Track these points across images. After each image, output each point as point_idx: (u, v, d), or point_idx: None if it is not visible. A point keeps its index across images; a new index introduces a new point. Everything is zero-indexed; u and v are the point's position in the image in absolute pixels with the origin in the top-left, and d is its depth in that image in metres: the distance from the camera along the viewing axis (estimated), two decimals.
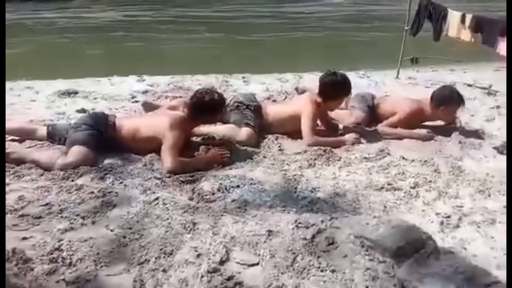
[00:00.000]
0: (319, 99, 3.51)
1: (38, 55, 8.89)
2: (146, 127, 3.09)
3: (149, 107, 3.80)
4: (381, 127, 3.65)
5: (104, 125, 3.07)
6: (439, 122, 3.81)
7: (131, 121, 3.24)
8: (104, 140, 3.01)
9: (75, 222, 2.20)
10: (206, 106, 3.07)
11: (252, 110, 3.55)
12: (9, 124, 3.18)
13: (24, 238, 2.06)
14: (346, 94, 3.55)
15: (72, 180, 2.64)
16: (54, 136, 3.14)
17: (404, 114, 3.67)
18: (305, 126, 3.40)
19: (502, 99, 4.73)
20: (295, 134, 3.47)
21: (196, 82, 5.15)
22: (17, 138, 3.21)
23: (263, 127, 3.54)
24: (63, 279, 1.81)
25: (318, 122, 3.62)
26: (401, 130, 3.60)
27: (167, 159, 2.87)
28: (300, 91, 4.42)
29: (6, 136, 3.14)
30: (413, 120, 3.71)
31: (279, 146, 3.33)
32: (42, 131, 3.21)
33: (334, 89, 3.46)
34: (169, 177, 2.75)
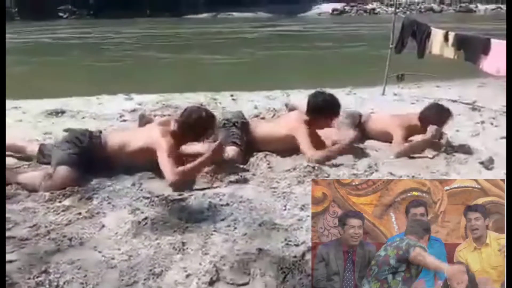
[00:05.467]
0: (307, 118, 3.55)
1: (26, 74, 8.86)
2: (136, 139, 3.05)
3: (145, 120, 3.74)
4: (399, 152, 3.58)
5: (88, 142, 3.00)
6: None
7: (118, 135, 3.20)
8: (90, 157, 2.94)
9: (62, 243, 2.17)
10: (194, 124, 3.08)
11: (239, 127, 3.56)
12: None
13: (10, 261, 2.01)
14: (335, 114, 3.59)
15: (60, 201, 2.60)
16: (45, 155, 3.09)
17: (401, 131, 3.73)
18: (304, 144, 3.41)
19: (487, 114, 4.82)
20: (284, 152, 3.48)
21: (185, 100, 5.17)
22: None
23: (251, 145, 3.55)
24: None
25: None
26: (415, 142, 3.66)
27: (167, 171, 2.86)
28: (290, 108, 4.46)
29: None
30: (407, 135, 3.77)
31: (268, 164, 3.33)
32: (31, 148, 3.18)
33: (323, 108, 3.52)
34: (158, 196, 2.72)
